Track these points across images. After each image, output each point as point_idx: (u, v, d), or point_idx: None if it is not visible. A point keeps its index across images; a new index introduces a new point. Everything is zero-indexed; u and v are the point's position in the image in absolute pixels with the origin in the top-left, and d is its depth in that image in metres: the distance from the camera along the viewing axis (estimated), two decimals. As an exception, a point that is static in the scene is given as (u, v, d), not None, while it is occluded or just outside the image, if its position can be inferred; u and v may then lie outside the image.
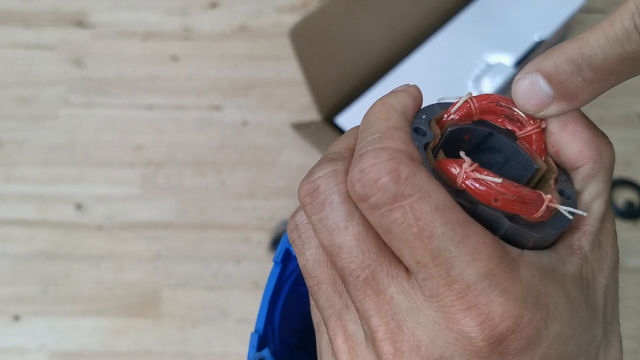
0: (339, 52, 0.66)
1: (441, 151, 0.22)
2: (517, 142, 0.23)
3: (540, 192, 0.20)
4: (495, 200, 0.19)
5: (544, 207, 0.20)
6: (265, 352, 0.27)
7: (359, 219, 0.20)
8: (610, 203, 0.22)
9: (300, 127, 0.73)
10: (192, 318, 0.65)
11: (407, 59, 0.71)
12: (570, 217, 0.20)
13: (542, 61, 0.20)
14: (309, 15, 0.61)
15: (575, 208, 0.21)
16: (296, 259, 0.22)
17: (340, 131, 0.67)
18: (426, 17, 0.73)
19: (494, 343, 0.18)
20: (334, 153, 0.22)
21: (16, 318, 0.66)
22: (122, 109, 0.78)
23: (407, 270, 0.19)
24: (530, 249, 0.20)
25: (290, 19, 0.83)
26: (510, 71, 0.69)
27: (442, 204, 0.18)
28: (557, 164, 0.22)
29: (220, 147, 0.75)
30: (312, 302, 0.23)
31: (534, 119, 0.22)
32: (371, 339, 0.19)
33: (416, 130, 0.21)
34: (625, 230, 0.69)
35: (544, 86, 0.20)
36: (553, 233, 0.20)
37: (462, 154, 0.20)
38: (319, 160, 0.22)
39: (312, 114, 0.71)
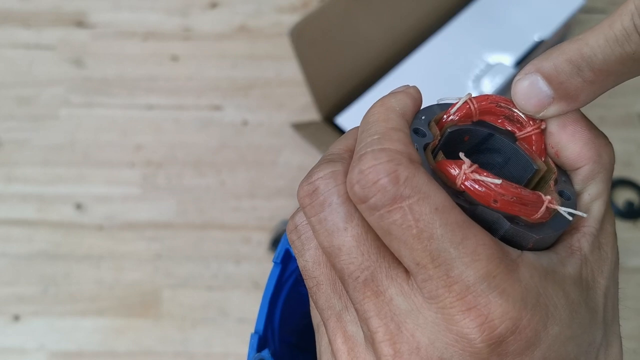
0: (339, 52, 0.66)
1: (441, 152, 0.22)
2: (516, 143, 0.22)
3: (540, 193, 0.20)
4: (495, 201, 0.19)
5: (543, 208, 0.20)
6: (265, 353, 0.27)
7: (358, 220, 0.20)
8: (610, 204, 0.22)
9: (300, 127, 0.73)
10: (192, 318, 0.65)
11: (407, 59, 0.71)
12: (570, 218, 0.20)
13: (542, 62, 0.20)
14: (309, 15, 0.61)
15: (575, 209, 0.21)
16: (296, 259, 0.22)
17: (340, 131, 0.67)
18: (426, 17, 0.73)
19: (493, 344, 0.18)
20: (334, 154, 0.22)
21: (16, 318, 0.66)
22: (122, 109, 0.78)
23: (406, 271, 0.19)
24: (529, 250, 0.20)
25: (290, 19, 0.83)
26: (510, 71, 0.69)
27: (442, 205, 0.18)
28: (556, 165, 0.22)
29: (220, 147, 0.75)
30: (311, 303, 0.23)
31: (533, 119, 0.22)
32: (370, 340, 0.19)
33: (415, 131, 0.21)
34: (625, 230, 0.69)
35: (543, 87, 0.20)
36: (553, 234, 0.20)
37: (461, 155, 0.20)
38: (318, 161, 0.22)
39: (312, 114, 0.71)
